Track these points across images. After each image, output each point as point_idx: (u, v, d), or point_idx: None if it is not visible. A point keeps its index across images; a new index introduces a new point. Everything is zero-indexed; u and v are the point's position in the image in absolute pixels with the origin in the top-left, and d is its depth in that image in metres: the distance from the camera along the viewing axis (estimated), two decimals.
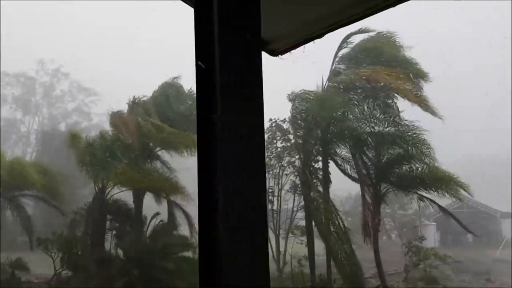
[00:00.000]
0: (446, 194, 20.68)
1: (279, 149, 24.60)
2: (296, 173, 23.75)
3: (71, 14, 51.17)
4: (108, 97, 26.28)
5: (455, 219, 22.36)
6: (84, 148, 23.30)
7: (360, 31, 21.80)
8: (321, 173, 22.62)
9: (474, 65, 39.82)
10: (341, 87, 22.05)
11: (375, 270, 21.70)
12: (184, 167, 22.63)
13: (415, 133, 20.97)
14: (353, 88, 21.86)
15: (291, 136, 24.21)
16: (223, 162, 1.08)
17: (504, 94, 29.59)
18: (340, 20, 1.81)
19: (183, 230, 23.92)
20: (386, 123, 21.41)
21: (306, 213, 22.92)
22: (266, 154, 23.54)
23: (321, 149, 22.69)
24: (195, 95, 1.18)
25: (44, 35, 51.52)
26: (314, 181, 22.56)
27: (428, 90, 21.57)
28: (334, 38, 21.55)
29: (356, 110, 21.85)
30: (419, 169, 20.95)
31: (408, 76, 21.08)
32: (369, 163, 21.81)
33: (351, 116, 21.95)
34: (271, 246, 23.63)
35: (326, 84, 22.77)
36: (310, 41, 1.92)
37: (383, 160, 21.46)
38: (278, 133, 24.58)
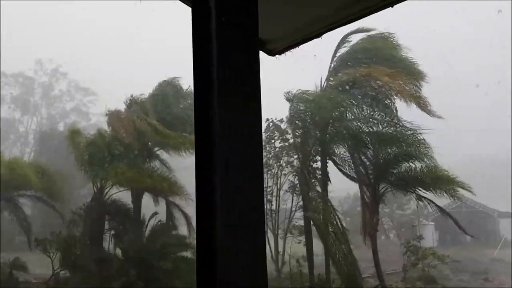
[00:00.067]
0: (445, 194, 20.69)
1: (277, 149, 24.59)
2: (294, 173, 23.75)
3: (71, 14, 51.19)
4: (108, 97, 26.24)
5: (453, 219, 22.36)
6: (83, 147, 23.29)
7: (358, 31, 21.81)
8: (319, 173, 22.63)
9: (475, 65, 39.90)
10: (340, 87, 22.05)
11: (373, 269, 21.71)
12: (183, 166, 22.62)
13: (414, 133, 20.98)
14: (352, 88, 21.87)
15: (289, 136, 24.21)
16: (221, 160, 1.09)
17: (504, 94, 29.66)
18: (337, 20, 1.81)
19: (182, 230, 23.92)
20: (385, 123, 21.40)
21: (305, 213, 22.91)
22: (264, 153, 23.54)
23: (319, 149, 22.69)
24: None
25: (43, 35, 51.53)
26: (313, 181, 22.57)
27: (429, 90, 21.60)
28: (333, 37, 21.56)
29: (355, 110, 21.85)
30: (418, 169, 20.95)
31: (406, 76, 21.09)
32: (367, 163, 21.81)
33: (350, 116, 21.95)
34: (269, 246, 23.63)
35: (325, 84, 22.78)
36: (308, 41, 1.93)
37: (381, 160, 21.46)
38: (276, 132, 24.57)
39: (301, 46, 2.03)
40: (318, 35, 1.91)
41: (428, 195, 21.02)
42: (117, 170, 22.16)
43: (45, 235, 23.19)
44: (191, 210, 22.88)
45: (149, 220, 23.32)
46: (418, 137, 20.84)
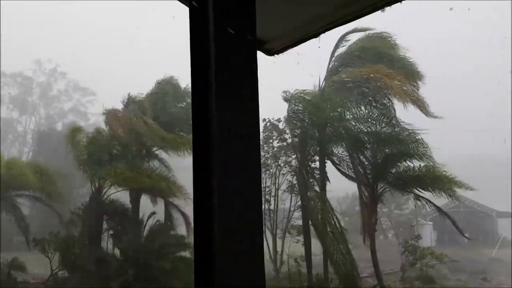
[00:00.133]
0: (443, 194, 20.71)
1: (275, 149, 24.59)
2: (293, 173, 23.75)
3: (71, 14, 51.16)
4: (107, 97, 26.21)
5: (451, 220, 22.39)
6: (82, 146, 23.28)
7: (356, 30, 21.80)
8: (318, 172, 22.64)
9: (474, 65, 39.93)
10: (338, 86, 22.05)
11: (372, 269, 21.71)
12: (181, 166, 22.61)
13: (412, 133, 21.00)
14: (350, 87, 21.86)
15: (287, 136, 24.21)
16: (219, 161, 1.08)
17: (504, 94, 29.67)
18: (336, 20, 1.81)
19: (181, 230, 23.91)
20: (383, 123, 21.42)
21: (303, 213, 22.92)
22: (262, 153, 23.55)
23: (318, 149, 22.70)
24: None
25: (43, 35, 51.49)
26: (311, 180, 22.57)
27: (429, 90, 21.62)
28: (331, 37, 21.58)
29: (353, 109, 21.86)
30: (416, 168, 20.98)
31: (404, 75, 21.11)
32: (366, 163, 21.82)
33: (348, 115, 21.96)
34: (268, 246, 23.64)
35: (323, 83, 22.78)
36: (306, 40, 1.93)
37: (380, 160, 21.47)
38: (274, 132, 24.57)
39: (299, 46, 2.03)
40: (316, 34, 1.90)
41: (426, 195, 21.05)
42: (116, 170, 22.15)
43: (43, 235, 23.17)
44: (190, 210, 22.87)
45: (147, 220, 23.31)
46: (416, 137, 20.86)
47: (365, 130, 21.56)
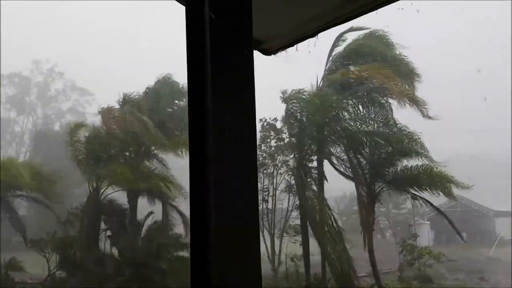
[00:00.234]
0: (440, 193, 20.75)
1: (273, 148, 24.58)
2: (290, 173, 23.75)
3: (71, 14, 51.08)
4: (107, 97, 26.15)
5: (448, 220, 22.44)
6: (80, 145, 23.26)
7: (352, 29, 21.78)
8: (315, 172, 22.64)
9: (474, 65, 39.95)
10: (336, 86, 22.05)
11: (369, 269, 21.73)
12: (180, 166, 22.59)
13: (409, 133, 21.03)
14: (348, 87, 21.87)
15: (285, 135, 24.20)
16: (215, 160, 1.08)
17: (504, 94, 29.72)
18: (333, 19, 1.81)
19: (179, 229, 23.88)
20: (381, 122, 21.44)
21: (301, 213, 22.93)
22: (259, 153, 23.55)
23: (315, 149, 22.70)
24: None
25: (43, 35, 51.41)
26: (309, 180, 22.57)
27: (429, 90, 21.64)
28: (329, 36, 21.58)
29: (351, 109, 21.88)
30: (413, 168, 21.02)
31: (402, 75, 21.14)
32: (363, 162, 21.84)
33: (346, 115, 21.98)
34: (266, 246, 23.64)
35: (321, 83, 22.78)
36: (303, 40, 1.93)
37: (377, 159, 21.50)
38: (271, 132, 24.56)
39: (297, 45, 2.02)
40: (314, 34, 1.90)
41: (424, 194, 21.09)
42: (113, 170, 22.12)
43: (41, 235, 23.14)
44: (188, 209, 22.80)
45: (145, 220, 23.29)
46: (414, 136, 20.90)
47: (363, 130, 21.58)
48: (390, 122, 21.35)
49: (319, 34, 1.94)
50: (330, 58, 22.93)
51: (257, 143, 22.65)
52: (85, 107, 55.03)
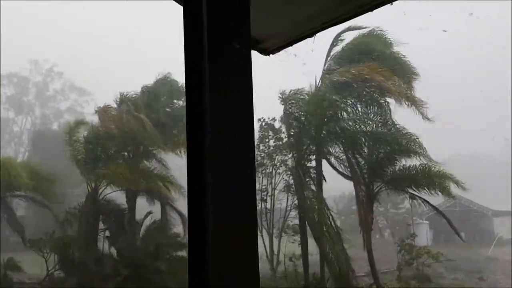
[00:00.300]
0: (439, 193, 20.77)
1: (271, 148, 24.59)
2: (289, 172, 23.75)
3: (71, 14, 51.02)
4: (107, 97, 26.10)
5: (447, 219, 22.46)
6: (79, 145, 23.23)
7: (350, 29, 21.76)
8: (314, 172, 22.64)
9: (474, 65, 39.99)
10: (334, 86, 22.05)
11: (368, 268, 21.74)
12: (178, 166, 22.57)
13: (408, 132, 21.05)
14: (346, 87, 21.87)
15: (283, 135, 24.21)
16: (213, 159, 1.08)
17: (504, 94, 29.75)
18: (330, 19, 1.81)
19: (178, 229, 23.86)
20: (379, 122, 21.45)
21: (300, 213, 22.93)
22: (258, 153, 23.56)
23: (314, 148, 22.71)
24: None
25: (43, 35, 51.32)
26: (307, 180, 22.58)
27: (429, 90, 21.64)
28: (328, 36, 21.58)
29: (349, 109, 21.89)
30: (411, 167, 21.04)
31: (400, 75, 21.15)
32: (362, 162, 21.86)
33: (345, 115, 21.99)
34: (264, 245, 23.64)
35: (319, 83, 22.79)
36: (301, 40, 1.92)
37: (376, 159, 21.52)
38: (270, 132, 24.56)
39: (295, 45, 2.02)
40: (312, 34, 1.90)
41: (423, 194, 21.10)
42: (112, 169, 22.10)
43: (39, 235, 23.11)
44: (186, 209, 22.74)
45: (143, 220, 23.27)
46: (412, 136, 20.91)
47: (361, 129, 21.59)
48: (389, 122, 21.36)
49: (317, 34, 1.94)
50: (329, 58, 22.93)
51: (256, 143, 22.59)
52: (84, 107, 54.95)
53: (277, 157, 24.40)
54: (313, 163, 22.83)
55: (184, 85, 1.19)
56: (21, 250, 23.91)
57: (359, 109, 21.85)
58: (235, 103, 1.14)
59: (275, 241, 24.48)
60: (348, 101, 21.90)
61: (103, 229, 23.10)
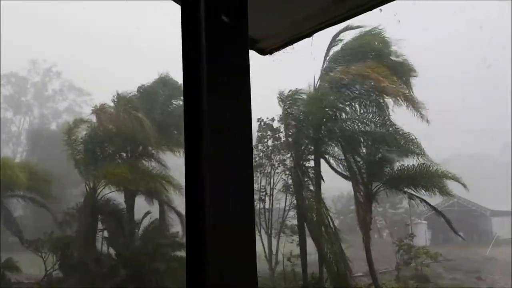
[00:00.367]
0: (437, 193, 20.79)
1: (270, 148, 24.60)
2: (287, 172, 23.76)
3: (71, 14, 51.00)
4: (106, 97, 26.06)
5: (446, 219, 22.47)
6: (77, 144, 23.21)
7: (348, 28, 21.75)
8: (312, 172, 22.65)
9: (474, 65, 40.06)
10: (333, 86, 22.06)
11: (366, 268, 21.76)
12: (178, 165, 22.55)
13: (406, 132, 21.06)
14: (345, 87, 21.88)
15: (282, 135, 24.22)
16: (211, 158, 1.08)
17: (504, 94, 29.80)
18: (328, 19, 1.81)
19: (176, 229, 23.85)
20: (378, 122, 21.46)
21: (298, 212, 22.94)
22: (256, 153, 23.56)
23: (312, 148, 22.72)
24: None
25: (43, 35, 51.30)
26: (306, 180, 22.59)
27: (429, 90, 21.63)
28: (326, 36, 21.58)
29: (348, 109, 21.89)
30: (410, 167, 21.05)
31: (399, 75, 21.16)
32: (360, 162, 21.87)
33: (343, 115, 22.00)
34: (263, 245, 23.65)
35: (318, 83, 22.80)
36: (299, 40, 1.92)
37: (374, 159, 21.53)
38: (268, 132, 24.57)
39: (294, 45, 2.02)
40: (310, 33, 1.90)
41: (421, 194, 21.12)
42: (111, 169, 22.08)
43: (38, 235, 23.08)
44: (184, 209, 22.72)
45: (142, 220, 23.24)
46: (410, 136, 20.92)
47: (360, 129, 21.60)
48: (387, 122, 21.37)
49: (315, 34, 1.93)
50: (327, 58, 22.94)
51: (254, 143, 22.62)
52: (82, 107, 54.86)
53: (275, 157, 24.41)
54: (312, 163, 22.84)
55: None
56: (19, 250, 23.89)
57: (358, 109, 21.85)
58: (233, 103, 1.14)
59: (274, 241, 24.48)
60: (346, 101, 21.90)
61: (101, 229, 23.08)
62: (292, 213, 23.81)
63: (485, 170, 40.27)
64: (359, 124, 21.66)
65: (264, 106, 22.73)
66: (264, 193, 24.26)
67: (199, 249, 1.06)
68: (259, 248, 22.39)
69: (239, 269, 1.09)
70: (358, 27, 21.97)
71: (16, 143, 55.33)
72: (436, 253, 23.78)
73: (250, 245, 1.11)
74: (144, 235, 22.63)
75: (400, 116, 21.23)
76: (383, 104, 21.45)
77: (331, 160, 22.42)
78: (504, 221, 35.83)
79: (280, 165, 24.25)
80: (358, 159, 21.92)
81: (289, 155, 23.74)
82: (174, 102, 24.64)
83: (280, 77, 26.25)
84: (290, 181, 23.58)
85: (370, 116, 21.59)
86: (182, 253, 21.05)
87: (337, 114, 22.00)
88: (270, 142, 24.65)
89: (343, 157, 22.15)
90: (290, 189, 23.64)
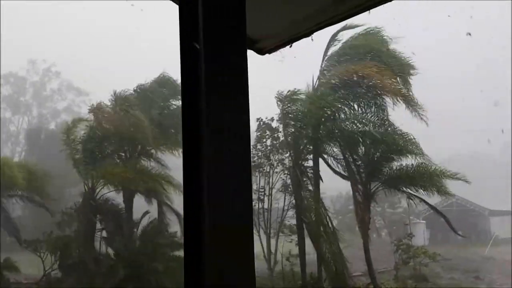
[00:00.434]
0: (436, 193, 20.80)
1: (268, 148, 24.59)
2: (286, 172, 23.76)
3: (71, 14, 50.91)
4: (105, 97, 26.03)
5: (445, 219, 22.49)
6: (76, 144, 23.20)
7: (346, 28, 21.73)
8: (311, 172, 22.65)
9: (474, 65, 40.02)
10: (331, 86, 22.06)
11: (365, 268, 21.77)
12: (178, 165, 22.50)
13: (404, 132, 21.07)
14: (343, 86, 21.87)
15: (280, 135, 24.21)
16: (209, 158, 1.08)
17: (504, 94, 29.80)
18: (327, 19, 1.81)
19: (175, 229, 23.83)
20: (376, 122, 21.46)
21: (297, 212, 22.93)
22: (255, 152, 23.55)
23: (311, 148, 22.72)
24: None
25: (43, 35, 51.19)
26: (305, 180, 22.59)
27: (429, 90, 21.60)
28: (325, 35, 21.56)
29: (346, 109, 21.89)
30: (409, 167, 21.05)
31: (398, 74, 21.16)
32: (359, 162, 21.87)
33: (342, 115, 21.99)
34: (262, 245, 23.65)
35: (316, 83, 22.79)
36: (298, 39, 1.92)
37: (373, 159, 21.53)
38: (267, 131, 24.56)
39: (292, 45, 2.02)
40: (309, 33, 1.90)
41: (420, 193, 21.13)
42: (110, 169, 22.07)
43: (37, 235, 23.06)
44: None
45: (141, 219, 23.22)
46: (409, 136, 20.93)
47: (358, 129, 21.60)
48: (386, 122, 21.37)
49: (314, 34, 1.94)
50: (326, 58, 22.92)
51: (253, 143, 22.56)
52: (81, 107, 54.73)
53: (274, 156, 24.41)
54: (311, 163, 22.84)
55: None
56: (18, 250, 23.86)
57: (356, 108, 21.86)
58: (232, 103, 1.14)
59: (273, 241, 24.49)
60: (345, 101, 21.90)
61: (100, 229, 23.05)
62: (291, 212, 23.81)
63: (485, 170, 40.24)
64: (358, 124, 21.66)
65: (263, 106, 22.74)
66: (263, 193, 24.26)
67: (198, 249, 1.06)
68: (257, 248, 22.38)
69: (238, 269, 1.09)
70: (357, 26, 21.95)
71: (15, 142, 55.26)
72: (434, 253, 23.80)
73: (249, 246, 1.11)
74: (142, 235, 22.61)
75: (400, 116, 21.25)
76: (381, 103, 21.45)
77: (330, 160, 22.42)
78: (503, 221, 35.85)
79: (279, 164, 24.25)
80: (357, 158, 21.93)
81: (288, 154, 23.73)
82: (173, 102, 24.62)
83: (278, 76, 26.24)
84: (289, 181, 23.57)
85: (369, 116, 21.61)
86: (181, 253, 20.88)
87: (336, 114, 22.00)
88: (269, 142, 24.64)
89: (342, 157, 22.15)
90: (289, 189, 23.64)
